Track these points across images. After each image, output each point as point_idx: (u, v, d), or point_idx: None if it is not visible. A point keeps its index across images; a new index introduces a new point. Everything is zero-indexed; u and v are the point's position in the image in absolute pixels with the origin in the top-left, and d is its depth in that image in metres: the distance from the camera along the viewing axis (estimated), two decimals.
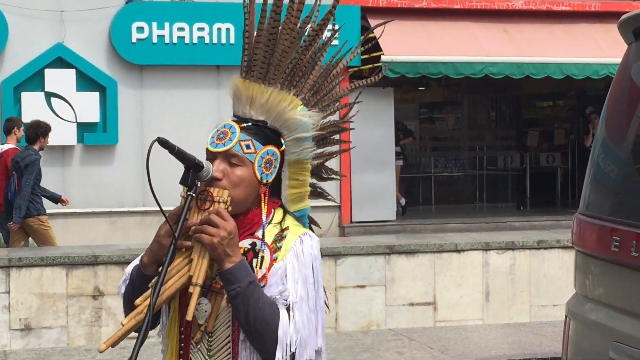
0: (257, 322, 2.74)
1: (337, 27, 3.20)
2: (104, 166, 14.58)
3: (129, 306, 2.88)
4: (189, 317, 2.70)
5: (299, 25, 2.99)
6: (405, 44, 15.63)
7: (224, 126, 2.91)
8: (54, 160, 14.31)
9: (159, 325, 2.97)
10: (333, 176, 3.18)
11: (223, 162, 2.86)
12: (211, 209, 2.78)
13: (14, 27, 14.19)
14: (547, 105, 23.87)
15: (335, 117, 3.15)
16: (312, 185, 3.14)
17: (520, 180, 20.74)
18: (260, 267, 2.84)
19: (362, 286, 8.60)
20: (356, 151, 15.66)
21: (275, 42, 2.95)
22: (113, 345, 2.75)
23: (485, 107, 22.22)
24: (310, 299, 2.83)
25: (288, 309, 2.77)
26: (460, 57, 15.72)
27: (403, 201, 17.35)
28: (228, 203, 2.81)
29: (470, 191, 20.49)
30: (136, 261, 2.98)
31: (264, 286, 2.79)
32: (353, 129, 3.12)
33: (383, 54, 15.17)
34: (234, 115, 2.99)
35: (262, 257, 2.85)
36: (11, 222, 10.36)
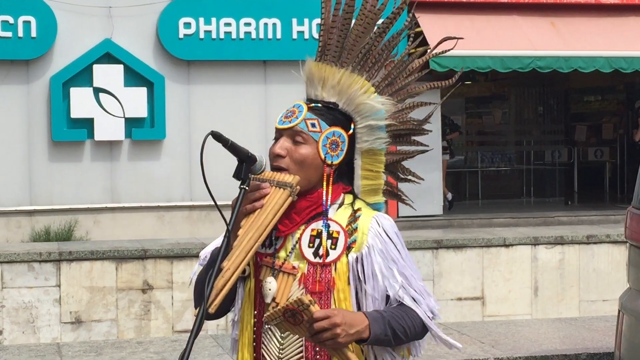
0: (411, 335, 2.85)
1: (410, 16, 3.20)
2: (152, 161, 14.65)
3: (199, 296, 2.87)
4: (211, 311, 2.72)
5: (373, 11, 3.00)
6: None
7: (294, 106, 2.93)
8: (102, 156, 14.42)
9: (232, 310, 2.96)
10: (410, 177, 3.16)
11: (287, 139, 2.88)
12: (301, 312, 2.69)
13: (63, 23, 14.31)
14: (595, 99, 23.66)
15: (415, 115, 3.13)
16: (389, 185, 3.13)
17: (568, 175, 20.57)
18: (335, 248, 2.86)
19: None
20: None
21: (349, 26, 2.96)
22: (211, 310, 2.71)
23: (533, 101, 22.05)
24: (412, 271, 2.89)
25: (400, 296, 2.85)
26: (508, 51, 15.62)
27: (450, 196, 17.28)
28: (296, 189, 2.82)
29: (517, 186, 20.36)
30: (206, 256, 2.98)
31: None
32: (431, 131, 3.10)
33: (430, 49, 15.13)
34: (307, 99, 2.99)
35: (336, 239, 2.86)
36: None
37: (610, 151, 21.20)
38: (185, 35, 14.69)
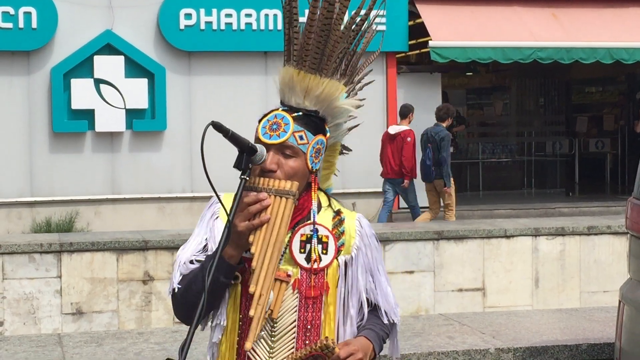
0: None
1: (382, 12, 3.18)
2: (153, 152, 14.66)
3: (187, 306, 2.86)
4: (247, 346, 2.78)
5: (350, 15, 2.99)
6: (453, 29, 15.55)
7: (276, 116, 2.92)
8: (103, 147, 14.43)
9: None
10: (344, 151, 3.17)
11: (277, 153, 2.88)
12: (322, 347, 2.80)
13: (64, 14, 14.30)
14: (596, 90, 23.65)
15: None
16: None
17: (569, 166, 20.57)
18: (326, 253, 2.91)
19: (411, 272, 8.59)
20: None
21: (328, 32, 2.93)
22: (255, 339, 2.80)
23: (534, 92, 22.03)
24: (385, 273, 3.09)
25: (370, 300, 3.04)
26: (509, 42, 15.61)
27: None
28: (297, 195, 2.84)
29: (518, 177, 20.37)
30: (183, 264, 2.94)
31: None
32: (363, 105, 3.10)
33: (431, 39, 15.11)
34: (284, 104, 2.99)
35: (326, 243, 2.92)
36: (445, 187, 13.09)
37: (611, 142, 21.20)
38: (186, 26, 14.68)
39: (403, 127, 13.62)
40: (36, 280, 7.96)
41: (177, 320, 8.20)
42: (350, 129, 3.13)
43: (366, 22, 3.02)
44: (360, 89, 3.12)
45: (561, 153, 20.84)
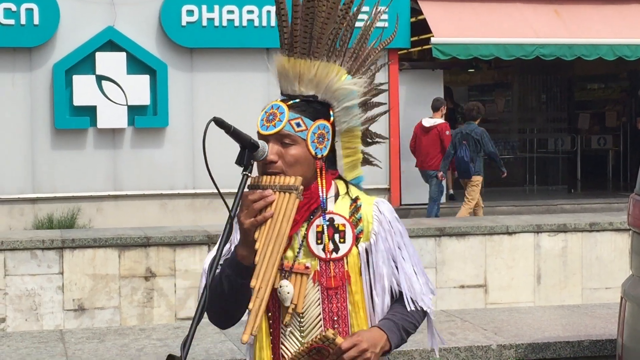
0: (419, 324, 2.99)
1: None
2: (155, 149, 14.66)
3: (217, 313, 2.89)
4: (244, 339, 2.71)
5: None
6: (455, 26, 15.53)
7: (272, 107, 2.91)
8: (105, 143, 14.43)
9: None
10: (378, 139, 3.16)
11: (276, 143, 2.86)
12: (325, 344, 2.74)
13: (65, 11, 14.30)
14: (598, 87, 23.64)
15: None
16: (365, 153, 3.14)
17: (571, 163, 20.56)
18: (344, 241, 2.88)
19: None
20: (406, 134, 15.64)
21: (313, 15, 2.91)
22: (253, 332, 2.73)
23: (536, 89, 22.02)
24: (413, 258, 2.97)
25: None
26: (511, 38, 15.60)
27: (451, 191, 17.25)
28: (301, 189, 2.80)
29: (520, 174, 20.34)
30: (208, 260, 2.92)
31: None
32: (387, 90, 3.08)
33: (433, 36, 15.09)
34: (283, 94, 2.98)
35: (343, 231, 2.88)
36: (503, 174, 13.98)
37: (614, 139, 21.18)
38: (188, 22, 14.67)
39: (438, 120, 14.34)
40: (38, 277, 7.96)
41: (179, 316, 8.22)
42: (373, 118, 3.10)
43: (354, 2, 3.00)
44: (377, 70, 3.09)
45: (563, 150, 20.83)
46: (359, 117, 3.02)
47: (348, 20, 2.99)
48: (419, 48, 17.41)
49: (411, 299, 2.92)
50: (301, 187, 2.81)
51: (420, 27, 15.87)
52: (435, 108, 14.47)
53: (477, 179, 13.74)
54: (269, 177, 2.82)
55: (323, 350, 2.74)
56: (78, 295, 8.03)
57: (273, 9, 14.87)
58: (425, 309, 2.94)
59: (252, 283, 2.74)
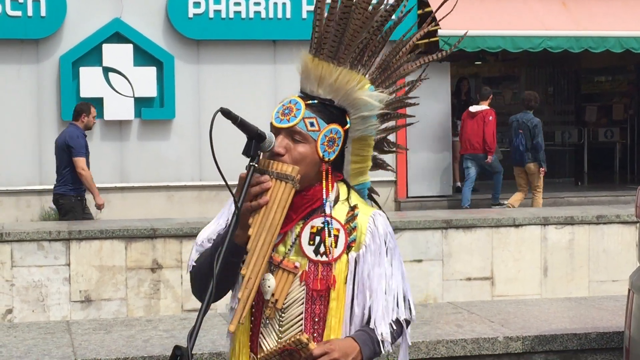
0: (396, 337, 2.98)
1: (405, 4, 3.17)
2: (161, 141, 14.66)
3: (198, 282, 2.92)
4: (231, 328, 2.76)
5: (371, 6, 2.97)
6: (462, 18, 15.49)
7: (290, 102, 2.91)
8: (111, 135, 14.43)
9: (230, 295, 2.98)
10: (394, 149, 3.17)
11: (286, 137, 2.87)
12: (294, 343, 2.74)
13: (72, 2, 14.29)
14: (605, 79, 23.57)
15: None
16: (377, 157, 3.14)
17: (578, 156, 20.52)
18: (336, 246, 2.89)
19: (419, 260, 8.58)
20: (412, 126, 15.60)
21: (347, 21, 2.92)
22: (240, 321, 2.76)
23: (543, 81, 21.97)
24: (395, 277, 2.99)
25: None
26: (518, 31, 15.57)
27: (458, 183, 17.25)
28: (297, 179, 2.81)
29: None
30: (199, 244, 2.98)
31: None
32: (418, 104, 3.10)
33: (440, 29, 15.06)
34: (301, 92, 2.98)
35: (337, 236, 2.89)
36: (542, 168, 14.40)
37: (621, 132, 21.14)
38: (194, 14, 14.66)
39: (484, 107, 15.18)
40: (45, 268, 7.97)
41: (185, 308, 8.22)
42: (390, 129, 3.11)
43: (394, 14, 3.02)
44: (403, 85, 3.11)
45: (570, 142, 20.79)
46: (374, 127, 3.03)
47: (383, 34, 3.01)
48: (426, 40, 17.36)
49: (374, 320, 2.90)
50: (298, 177, 2.81)
51: (427, 19, 15.82)
52: (483, 96, 15.38)
53: (531, 167, 14.35)
54: (268, 161, 2.82)
55: (294, 353, 2.74)
56: (85, 286, 8.04)
57: (280, 1, 14.87)
58: (379, 333, 2.89)
59: (243, 271, 2.77)
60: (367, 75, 2.97)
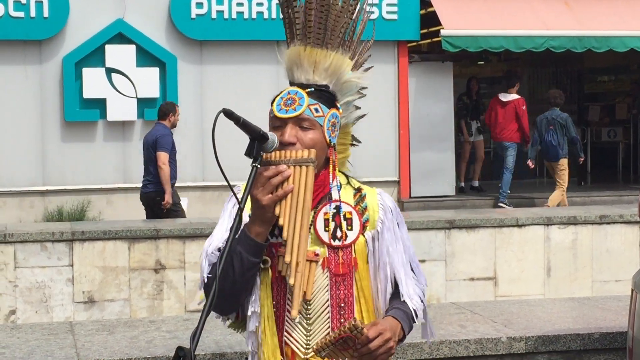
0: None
1: None
2: None
3: (226, 294, 2.80)
4: (294, 314, 2.76)
5: None
6: (464, 18, 15.50)
7: (289, 92, 2.94)
8: (114, 136, 14.44)
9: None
10: (355, 142, 3.17)
11: (294, 127, 2.88)
12: (352, 332, 2.73)
13: (75, 3, 14.31)
14: (608, 79, 23.55)
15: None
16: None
17: None
18: (352, 229, 2.91)
19: (422, 261, 8.57)
20: (415, 126, 15.64)
21: (328, 7, 2.96)
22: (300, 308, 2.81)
23: (546, 81, 21.96)
24: (409, 250, 3.06)
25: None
26: (521, 30, 15.56)
27: (476, 182, 17.25)
28: (316, 163, 2.83)
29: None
30: (211, 253, 2.91)
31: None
32: (366, 87, 3.10)
33: (442, 28, 15.06)
34: (293, 83, 3.01)
35: (350, 219, 2.91)
36: (581, 158, 15.29)
37: (624, 131, 21.11)
38: (197, 15, 14.67)
39: (514, 96, 15.64)
40: (48, 269, 7.97)
41: (188, 308, 8.22)
42: (358, 119, 3.12)
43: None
44: (366, 70, 3.12)
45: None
46: (353, 116, 3.08)
47: (357, 14, 3.02)
48: (429, 40, 17.37)
49: (406, 295, 2.99)
50: (316, 160, 2.83)
51: (430, 19, 15.84)
52: (511, 85, 15.75)
53: (564, 162, 14.69)
54: (281, 152, 2.82)
55: (349, 340, 2.73)
56: (88, 287, 8.04)
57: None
58: (416, 308, 3.00)
59: (287, 258, 2.75)
60: (351, 59, 3.02)
